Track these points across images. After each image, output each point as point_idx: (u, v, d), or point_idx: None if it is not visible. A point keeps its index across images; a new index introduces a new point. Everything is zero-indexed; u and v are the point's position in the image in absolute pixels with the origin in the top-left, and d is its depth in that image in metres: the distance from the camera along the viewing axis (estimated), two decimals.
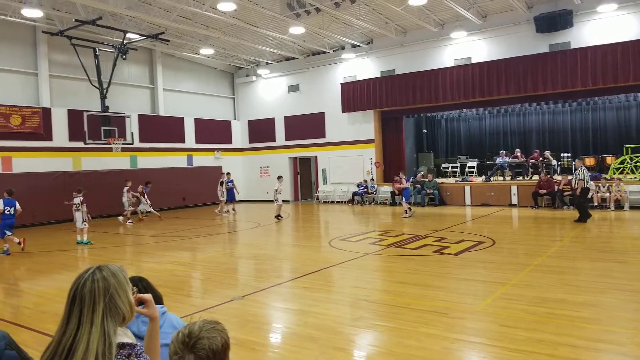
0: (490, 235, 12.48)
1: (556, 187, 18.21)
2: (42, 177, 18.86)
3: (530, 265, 8.92)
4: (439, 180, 22.43)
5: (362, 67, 23.72)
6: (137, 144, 21.64)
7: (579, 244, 11.32)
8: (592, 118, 23.45)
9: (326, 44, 23.25)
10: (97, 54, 19.09)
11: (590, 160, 20.45)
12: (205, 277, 9.52)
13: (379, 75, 23.08)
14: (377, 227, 16.10)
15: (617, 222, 15.00)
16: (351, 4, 18.19)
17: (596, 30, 18.39)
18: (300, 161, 26.86)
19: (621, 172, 19.14)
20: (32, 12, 16.82)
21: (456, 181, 22.01)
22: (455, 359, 5.02)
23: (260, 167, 27.45)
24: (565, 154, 22.44)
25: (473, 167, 24.12)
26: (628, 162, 19.20)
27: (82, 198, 14.16)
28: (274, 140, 27.05)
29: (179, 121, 24.96)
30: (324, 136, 25.08)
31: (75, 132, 19.67)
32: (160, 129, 23.86)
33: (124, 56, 19.20)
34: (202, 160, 25.79)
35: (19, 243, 12.51)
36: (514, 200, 19.54)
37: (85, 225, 13.92)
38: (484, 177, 21.90)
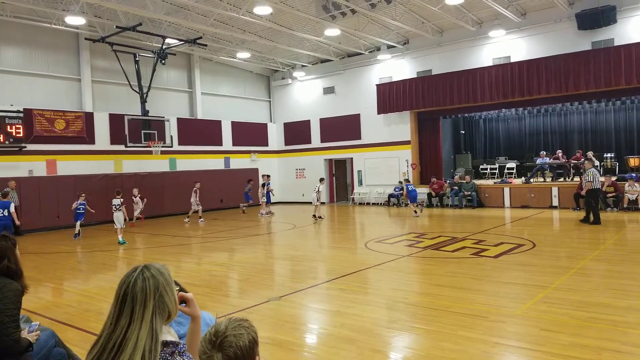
0: (530, 238, 12.21)
1: None
2: (85, 180, 19.39)
3: (572, 268, 8.69)
4: (477, 181, 22.08)
5: (398, 67, 23.58)
6: (176, 146, 22.08)
7: (623, 247, 10.97)
8: (636, 117, 22.72)
9: (362, 45, 23.21)
10: (137, 59, 19.61)
11: (635, 161, 19.84)
12: (242, 278, 9.62)
13: (415, 75, 22.88)
14: (413, 229, 15.95)
15: None
16: (387, 5, 18.12)
17: None
18: (335, 163, 26.87)
19: None
20: (75, 20, 17.41)
21: (495, 183, 21.62)
22: None
23: (296, 169, 27.58)
24: (609, 155, 21.76)
25: (512, 168, 23.68)
26: None
27: (121, 200, 14.53)
28: (309, 142, 27.14)
29: (217, 124, 25.32)
30: (359, 138, 25.03)
31: (116, 135, 20.19)
32: (199, 132, 24.26)
33: (163, 61, 19.64)
34: (239, 162, 26.09)
35: None
36: (555, 202, 19.08)
37: (122, 225, 14.36)
38: (523, 178, 21.46)
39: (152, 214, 21.07)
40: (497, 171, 24.08)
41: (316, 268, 10.28)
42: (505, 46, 20.61)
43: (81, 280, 10.09)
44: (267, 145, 28.14)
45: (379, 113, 23.63)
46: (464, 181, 21.27)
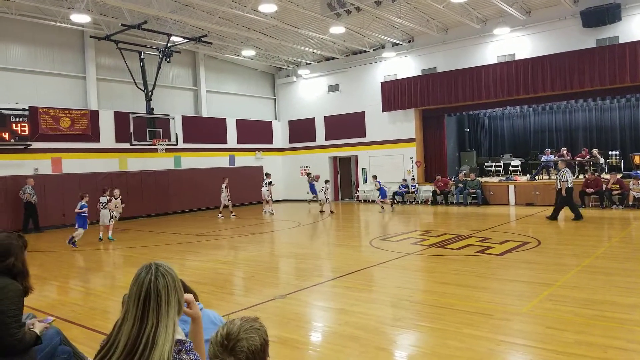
0: (535, 236, 12.19)
1: (604, 186, 17.65)
2: (90, 178, 19.43)
3: (577, 266, 8.68)
4: (482, 179, 22.04)
5: (402, 65, 23.54)
6: (181, 144, 22.12)
7: (628, 245, 10.95)
8: None
9: (366, 43, 23.19)
10: (142, 57, 19.65)
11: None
12: (247, 276, 9.64)
13: (420, 73, 22.85)
14: (418, 226, 15.96)
15: None
16: (392, 3, 18.09)
17: None
18: (340, 161, 26.87)
19: None
20: (80, 18, 17.47)
21: (500, 180, 21.58)
22: None
23: (301, 167, 27.59)
24: (614, 152, 21.66)
25: (517, 166, 23.62)
26: None
27: (108, 197, 14.84)
28: (314, 140, 27.15)
29: (221, 122, 25.35)
30: (364, 135, 25.02)
31: (121, 133, 20.23)
32: (203, 129, 24.29)
33: (168, 59, 19.68)
34: (243, 160, 26.12)
35: None
36: None
37: (112, 222, 14.74)
38: (528, 176, 21.41)
39: (157, 212, 21.15)
40: (501, 169, 24.01)
41: (321, 266, 10.29)
42: (510, 44, 20.55)
43: (87, 278, 10.14)
44: (272, 143, 28.15)
45: (383, 111, 23.61)
46: (469, 179, 21.24)
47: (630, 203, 17.02)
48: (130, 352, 1.98)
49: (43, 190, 17.95)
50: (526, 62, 19.64)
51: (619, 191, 17.35)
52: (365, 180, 25.18)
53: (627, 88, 18.40)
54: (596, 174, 18.49)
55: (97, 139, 20.27)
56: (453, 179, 21.97)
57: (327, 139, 26.58)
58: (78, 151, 19.65)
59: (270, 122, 28.32)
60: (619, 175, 18.02)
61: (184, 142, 22.88)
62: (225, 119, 25.53)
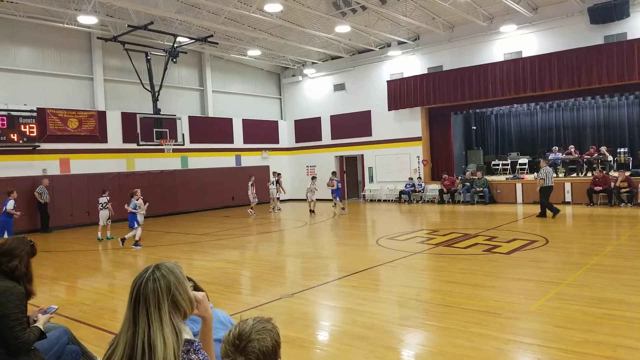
0: (543, 234, 12.14)
1: (612, 184, 17.55)
2: (98, 178, 19.52)
3: (585, 264, 8.64)
4: (489, 177, 21.98)
5: (408, 64, 23.49)
6: (187, 145, 22.17)
7: (637, 243, 10.88)
8: None
9: (372, 41, 23.15)
10: (148, 58, 19.70)
11: None
12: (254, 275, 9.67)
13: (426, 71, 22.79)
14: (425, 225, 15.93)
15: None
16: (397, 1, 18.08)
17: None
18: (346, 160, 26.86)
19: None
20: (87, 19, 17.55)
21: (507, 178, 21.51)
22: (509, 359, 4.92)
23: (307, 167, 27.60)
24: (622, 150, 21.53)
25: (524, 164, 23.53)
26: None
27: (108, 198, 15.00)
28: (320, 139, 27.15)
29: (228, 122, 25.40)
30: (370, 134, 24.99)
31: (128, 134, 20.30)
32: (210, 130, 24.35)
33: (174, 59, 19.73)
34: (250, 160, 26.16)
35: None
36: (568, 197, 18.96)
37: (109, 222, 14.96)
38: (536, 174, 21.30)
39: (164, 212, 21.22)
40: (509, 167, 23.93)
41: (328, 265, 10.29)
42: (517, 41, 20.45)
43: (95, 278, 10.19)
44: (278, 143, 28.17)
45: (389, 109, 23.57)
46: (476, 177, 21.18)
47: (639, 201, 16.91)
48: (131, 358, 1.98)
49: (51, 191, 18.04)
50: (533, 60, 19.53)
51: (628, 189, 17.23)
52: (371, 179, 25.16)
53: (636, 85, 18.27)
54: (604, 172, 18.40)
55: (105, 140, 20.36)
56: (460, 177, 21.92)
57: (333, 138, 26.57)
58: (86, 152, 19.75)
59: (276, 122, 28.35)
60: (627, 173, 17.90)
61: (191, 142, 22.92)
62: (231, 119, 25.58)
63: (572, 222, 14.97)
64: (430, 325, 5.98)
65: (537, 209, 17.70)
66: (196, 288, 2.99)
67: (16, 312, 3.65)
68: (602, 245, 10.62)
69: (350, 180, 27.05)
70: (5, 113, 17.37)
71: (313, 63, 26.76)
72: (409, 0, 18.49)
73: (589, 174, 19.72)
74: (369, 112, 24.95)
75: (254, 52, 23.95)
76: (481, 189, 20.65)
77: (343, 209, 20.78)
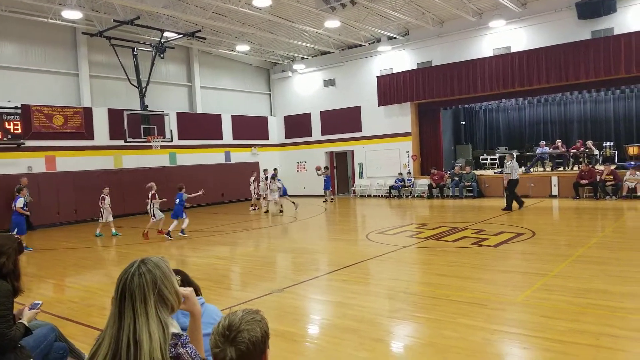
0: (530, 227, 12.24)
1: (598, 177, 17.74)
2: (85, 176, 19.37)
3: (571, 256, 8.73)
4: (477, 172, 22.09)
5: (398, 59, 23.53)
6: (176, 141, 22.08)
7: (621, 235, 11.03)
8: (635, 106, 22.62)
9: (362, 36, 23.14)
10: (135, 53, 19.56)
11: (634, 150, 19.86)
12: (244, 271, 9.67)
13: (415, 67, 22.84)
14: (414, 220, 16.00)
15: None
16: None
17: None
18: (336, 155, 26.88)
19: None
20: (72, 14, 17.23)
21: (495, 173, 21.64)
22: (496, 349, 4.97)
23: (297, 162, 27.59)
24: (608, 144, 21.74)
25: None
26: None
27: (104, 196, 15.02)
28: (310, 135, 27.13)
29: (217, 118, 25.30)
30: (360, 130, 25.02)
31: (115, 131, 20.15)
32: (198, 126, 24.24)
33: (161, 55, 19.59)
34: (239, 156, 26.10)
35: None
36: (555, 191, 19.11)
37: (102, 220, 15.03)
38: (523, 168, 21.47)
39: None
40: (497, 161, 24.07)
41: (318, 260, 10.32)
42: (506, 36, 20.55)
43: (83, 275, 10.13)
44: (268, 139, 28.12)
45: (379, 105, 23.60)
46: (465, 172, 21.29)
47: (624, 194, 17.12)
48: (116, 355, 1.98)
49: (37, 188, 17.85)
50: (521, 55, 19.64)
51: (613, 182, 17.43)
52: (361, 175, 25.20)
53: (622, 79, 18.43)
54: (590, 165, 18.58)
55: (91, 137, 20.19)
56: (449, 172, 22.01)
57: (323, 134, 26.57)
58: (72, 149, 19.56)
59: (266, 118, 28.29)
60: (613, 167, 18.09)
61: (179, 138, 22.82)
62: (220, 115, 25.48)
63: (559, 214, 15.10)
64: (419, 317, 6.03)
65: (525, 202, 17.86)
66: (186, 281, 2.99)
67: (2, 309, 3.63)
68: (587, 237, 10.74)
69: (340, 176, 27.08)
70: None
71: (302, 58, 26.71)
72: None
73: (576, 168, 19.90)
74: (358, 107, 24.97)
75: (243, 48, 23.86)
76: (469, 183, 20.76)
77: (332, 199, 21.49)
